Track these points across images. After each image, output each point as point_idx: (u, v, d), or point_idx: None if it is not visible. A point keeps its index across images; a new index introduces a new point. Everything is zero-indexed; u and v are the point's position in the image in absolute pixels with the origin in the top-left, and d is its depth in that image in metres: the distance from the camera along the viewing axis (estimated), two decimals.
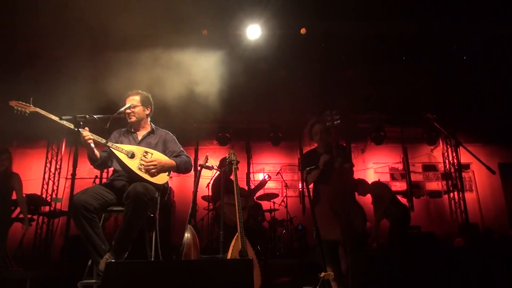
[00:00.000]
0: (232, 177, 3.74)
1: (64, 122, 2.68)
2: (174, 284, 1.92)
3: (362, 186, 5.41)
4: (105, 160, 3.02)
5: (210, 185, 5.83)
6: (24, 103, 2.72)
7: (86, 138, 2.74)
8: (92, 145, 2.80)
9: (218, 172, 4.82)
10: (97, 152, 2.90)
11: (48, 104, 2.85)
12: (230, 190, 3.90)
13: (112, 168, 3.13)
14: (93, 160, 2.93)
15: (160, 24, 4.73)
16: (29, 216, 5.70)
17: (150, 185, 2.78)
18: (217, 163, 5.56)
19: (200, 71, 5.26)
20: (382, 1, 4.96)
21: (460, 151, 7.63)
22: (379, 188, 5.41)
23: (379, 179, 7.96)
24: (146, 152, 2.94)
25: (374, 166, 8.56)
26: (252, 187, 7.02)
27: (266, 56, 5.80)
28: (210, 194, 5.90)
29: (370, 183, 5.69)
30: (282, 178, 7.55)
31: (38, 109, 2.73)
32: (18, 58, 5.06)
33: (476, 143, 8.00)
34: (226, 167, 3.84)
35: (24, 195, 4.91)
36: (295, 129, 8.11)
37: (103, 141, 2.87)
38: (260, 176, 8.12)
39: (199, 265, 2.06)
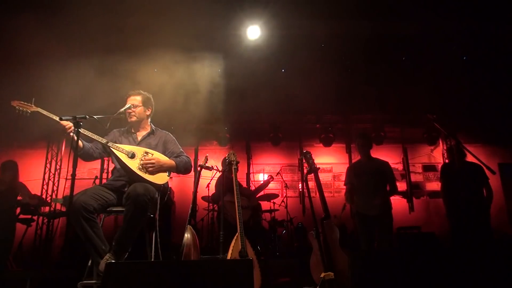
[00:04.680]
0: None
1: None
2: (174, 284, 1.92)
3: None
4: (89, 151, 2.95)
5: (214, 185, 5.83)
6: (26, 103, 2.73)
7: (67, 127, 2.68)
8: (72, 134, 2.68)
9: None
10: (80, 142, 2.81)
11: (49, 104, 2.85)
12: (232, 189, 3.90)
13: (112, 169, 3.13)
14: (75, 149, 2.78)
15: (160, 25, 4.73)
16: (29, 216, 5.70)
17: (150, 186, 2.78)
18: (219, 163, 5.57)
19: (200, 71, 5.27)
20: (382, 1, 4.96)
21: None
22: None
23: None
24: (147, 153, 2.94)
25: None
26: (252, 187, 7.02)
27: (266, 57, 5.80)
28: (213, 193, 5.90)
29: None
30: (282, 178, 7.54)
31: (39, 109, 2.73)
32: (19, 58, 5.05)
33: (476, 143, 7.97)
34: (226, 167, 3.84)
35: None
36: (295, 129, 8.11)
37: (104, 141, 2.88)
38: (260, 177, 8.12)
39: (199, 265, 2.06)
